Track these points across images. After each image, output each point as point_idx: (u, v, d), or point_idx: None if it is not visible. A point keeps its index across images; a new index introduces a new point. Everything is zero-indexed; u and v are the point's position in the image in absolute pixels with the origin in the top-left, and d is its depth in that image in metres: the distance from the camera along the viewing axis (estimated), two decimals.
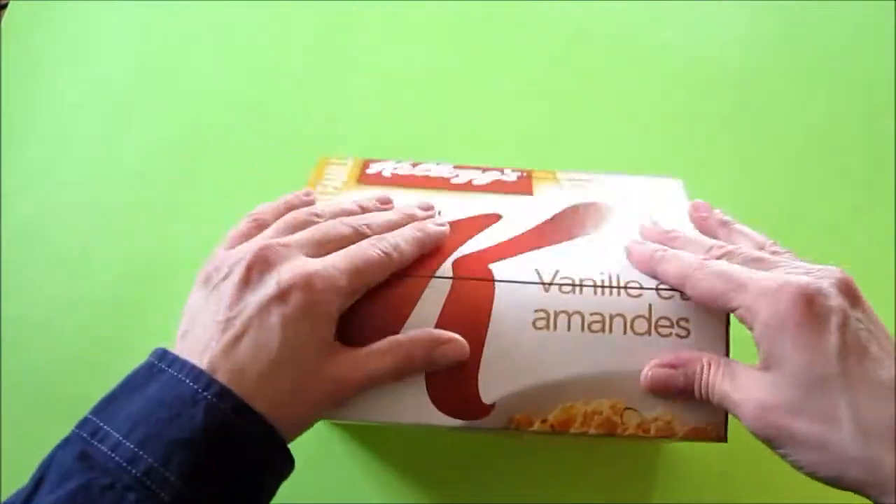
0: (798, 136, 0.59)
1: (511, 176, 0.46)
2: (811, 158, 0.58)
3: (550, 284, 0.38)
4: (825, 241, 0.55)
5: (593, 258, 0.39)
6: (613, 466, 0.48)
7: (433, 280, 0.38)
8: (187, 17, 0.65)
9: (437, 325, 0.38)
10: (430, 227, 0.41)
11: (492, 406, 0.37)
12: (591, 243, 0.41)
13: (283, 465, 0.35)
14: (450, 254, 0.40)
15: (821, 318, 0.33)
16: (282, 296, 0.35)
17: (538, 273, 0.38)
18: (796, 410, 0.32)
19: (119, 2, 0.66)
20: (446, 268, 0.39)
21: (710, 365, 0.36)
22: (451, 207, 0.43)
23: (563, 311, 0.37)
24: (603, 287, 0.38)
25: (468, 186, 0.45)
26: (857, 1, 0.63)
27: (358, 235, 0.39)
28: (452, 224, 0.41)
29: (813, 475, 0.33)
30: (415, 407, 0.37)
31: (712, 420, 0.37)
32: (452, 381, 0.37)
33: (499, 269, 0.39)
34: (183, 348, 0.35)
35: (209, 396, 0.32)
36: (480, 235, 0.41)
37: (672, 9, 0.63)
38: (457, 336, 0.37)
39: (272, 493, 0.35)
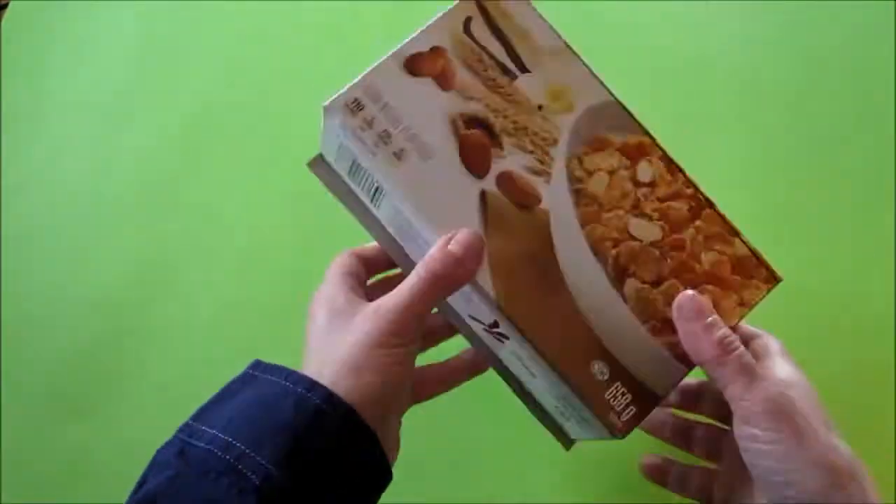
0: (797, 134, 0.59)
1: None
2: (810, 157, 0.58)
3: None
4: (824, 238, 0.55)
5: None
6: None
7: None
8: (186, 16, 0.65)
9: None
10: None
11: None
12: None
13: (366, 442, 0.35)
14: None
15: None
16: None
17: None
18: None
19: (118, 2, 0.66)
20: None
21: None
22: None
23: None
24: None
25: None
26: (858, 1, 0.63)
27: None
28: None
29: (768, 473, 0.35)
30: None
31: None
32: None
33: None
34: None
35: (300, 390, 0.35)
36: None
37: (671, 8, 0.63)
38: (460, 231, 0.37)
39: (364, 479, 0.36)
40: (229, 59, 0.64)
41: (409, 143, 0.38)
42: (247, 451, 0.33)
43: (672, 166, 0.41)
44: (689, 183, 0.41)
